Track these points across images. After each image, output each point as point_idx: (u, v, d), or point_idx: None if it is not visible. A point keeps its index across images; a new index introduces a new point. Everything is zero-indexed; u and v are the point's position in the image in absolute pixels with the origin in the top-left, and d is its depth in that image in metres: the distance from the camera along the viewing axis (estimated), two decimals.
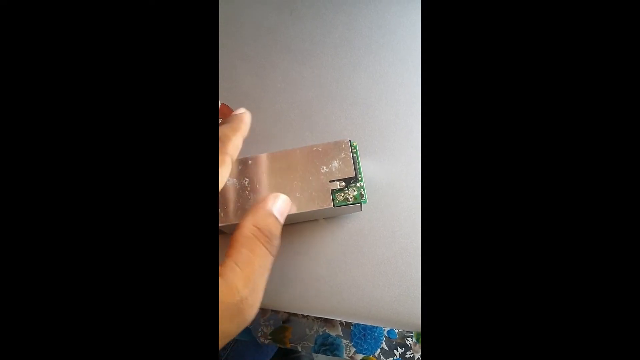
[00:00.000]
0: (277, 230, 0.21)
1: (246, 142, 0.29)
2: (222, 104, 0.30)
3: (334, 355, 0.31)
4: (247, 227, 0.20)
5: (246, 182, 0.25)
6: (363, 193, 0.24)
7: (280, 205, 0.22)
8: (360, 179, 0.24)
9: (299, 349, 0.32)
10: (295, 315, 0.32)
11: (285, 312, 0.32)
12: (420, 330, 0.27)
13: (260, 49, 0.31)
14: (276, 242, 0.21)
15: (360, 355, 0.31)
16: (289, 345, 0.32)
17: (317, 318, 0.32)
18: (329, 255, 0.27)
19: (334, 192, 0.24)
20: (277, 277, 0.27)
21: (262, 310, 0.33)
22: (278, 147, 0.29)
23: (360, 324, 0.32)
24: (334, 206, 0.24)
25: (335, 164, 0.24)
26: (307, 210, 0.24)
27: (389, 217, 0.27)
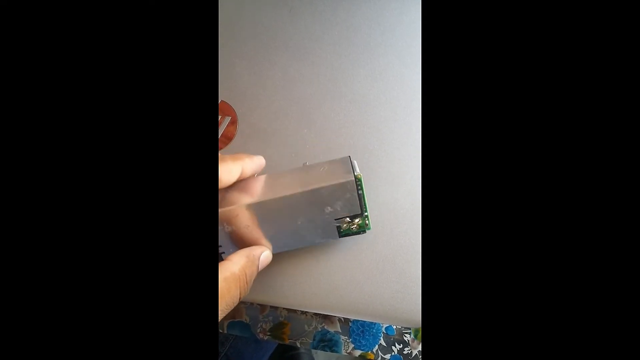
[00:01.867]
0: (252, 281, 0.22)
1: (245, 138, 0.29)
2: (221, 101, 0.30)
3: (332, 351, 0.32)
4: (239, 265, 0.21)
5: (247, 229, 0.23)
6: (367, 222, 0.24)
7: (263, 261, 0.23)
8: (365, 209, 0.23)
9: (298, 345, 0.32)
10: (294, 311, 0.33)
11: (284, 308, 0.33)
12: (418, 326, 0.27)
13: (259, 47, 0.31)
14: (248, 291, 0.22)
15: (359, 351, 0.31)
16: (287, 341, 0.32)
17: (315, 314, 0.32)
18: (328, 253, 0.27)
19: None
20: (276, 273, 0.27)
21: (262, 307, 0.33)
22: (276, 145, 0.29)
23: (358, 320, 0.32)
24: (339, 237, 0.24)
25: (340, 203, 0.23)
26: (312, 245, 0.24)
27: (387, 214, 0.27)
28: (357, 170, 0.23)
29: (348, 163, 0.24)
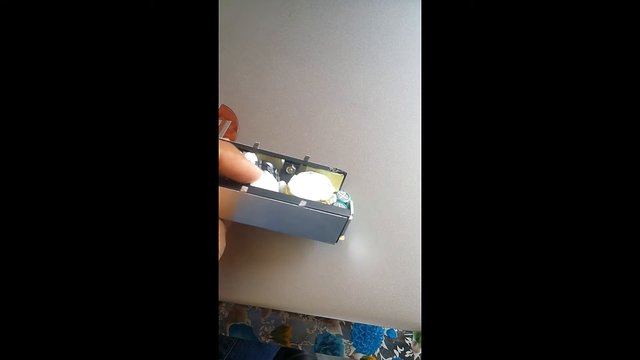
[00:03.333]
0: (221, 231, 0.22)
1: (246, 141, 0.29)
2: (222, 105, 0.30)
3: (334, 354, 0.32)
4: None
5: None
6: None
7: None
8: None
9: (300, 348, 0.32)
10: (296, 314, 0.33)
11: (285, 311, 0.33)
12: (419, 329, 0.27)
13: (260, 51, 0.31)
14: (223, 243, 0.22)
15: (360, 355, 0.31)
16: (289, 345, 0.32)
17: (317, 317, 0.32)
18: (329, 256, 0.27)
19: None
20: (277, 277, 0.27)
21: (264, 310, 0.33)
22: (277, 148, 0.29)
23: (360, 324, 0.32)
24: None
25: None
26: None
27: (388, 217, 0.27)
28: (351, 214, 0.23)
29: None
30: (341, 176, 0.25)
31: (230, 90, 0.31)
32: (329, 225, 0.23)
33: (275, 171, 0.25)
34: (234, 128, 0.30)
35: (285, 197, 0.22)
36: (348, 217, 0.22)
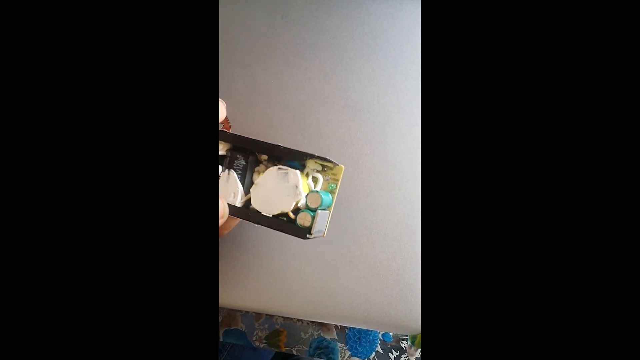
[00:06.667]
0: None
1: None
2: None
3: (329, 358, 0.31)
4: None
5: None
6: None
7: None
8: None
9: (295, 353, 0.32)
10: (290, 318, 0.32)
11: (279, 316, 0.32)
12: (414, 333, 0.27)
13: (252, 53, 0.31)
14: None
15: (355, 359, 0.31)
16: (284, 349, 0.32)
17: (311, 322, 0.32)
18: (323, 259, 0.27)
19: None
20: (271, 281, 0.27)
21: (257, 315, 0.33)
22: None
23: (355, 327, 0.32)
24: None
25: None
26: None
27: (382, 220, 0.27)
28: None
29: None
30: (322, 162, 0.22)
31: (222, 93, 0.30)
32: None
33: (248, 162, 0.23)
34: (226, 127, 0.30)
35: (242, 213, 0.23)
36: (303, 237, 0.21)
